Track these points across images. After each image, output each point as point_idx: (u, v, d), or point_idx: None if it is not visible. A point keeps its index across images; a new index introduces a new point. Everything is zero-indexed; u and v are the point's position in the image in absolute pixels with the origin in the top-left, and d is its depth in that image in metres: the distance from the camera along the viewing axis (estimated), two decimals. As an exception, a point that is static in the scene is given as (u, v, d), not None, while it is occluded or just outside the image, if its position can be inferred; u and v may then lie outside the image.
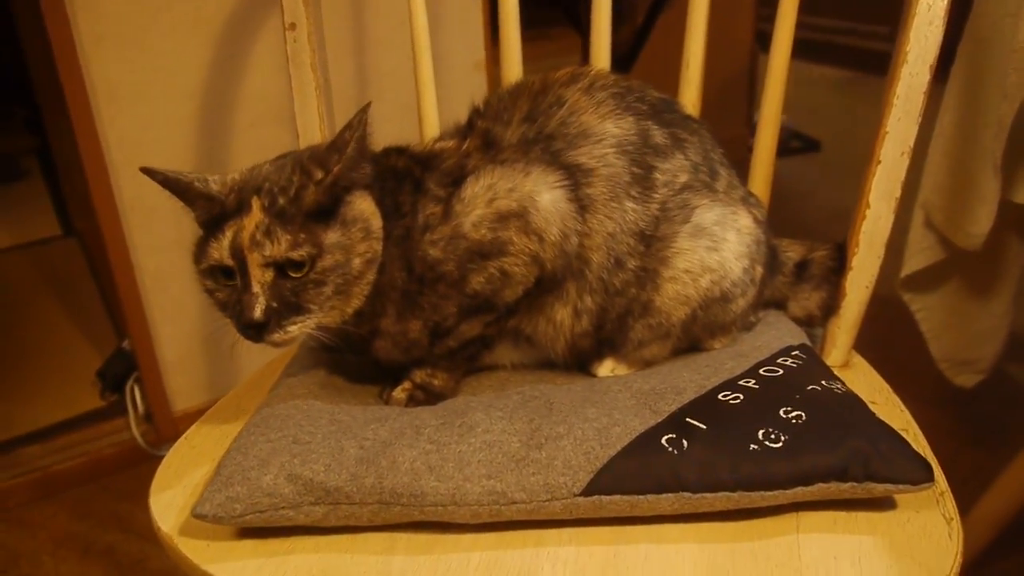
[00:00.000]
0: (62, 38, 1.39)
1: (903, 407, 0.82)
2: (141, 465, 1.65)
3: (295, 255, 0.66)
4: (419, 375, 0.80)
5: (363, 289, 0.71)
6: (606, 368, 0.83)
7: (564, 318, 0.78)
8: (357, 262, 0.69)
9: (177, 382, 1.67)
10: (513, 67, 1.05)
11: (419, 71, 1.06)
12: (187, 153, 1.55)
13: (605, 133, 0.76)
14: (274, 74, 1.57)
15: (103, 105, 1.46)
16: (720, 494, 0.65)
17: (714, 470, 0.65)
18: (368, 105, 0.68)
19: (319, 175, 0.69)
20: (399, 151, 0.78)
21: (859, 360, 0.92)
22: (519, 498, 0.66)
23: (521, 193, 0.73)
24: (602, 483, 0.65)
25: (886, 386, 0.87)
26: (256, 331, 0.67)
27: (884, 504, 0.68)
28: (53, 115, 2.10)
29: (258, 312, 0.66)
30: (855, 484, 0.65)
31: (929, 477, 0.66)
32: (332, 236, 0.68)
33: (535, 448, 0.68)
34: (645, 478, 0.65)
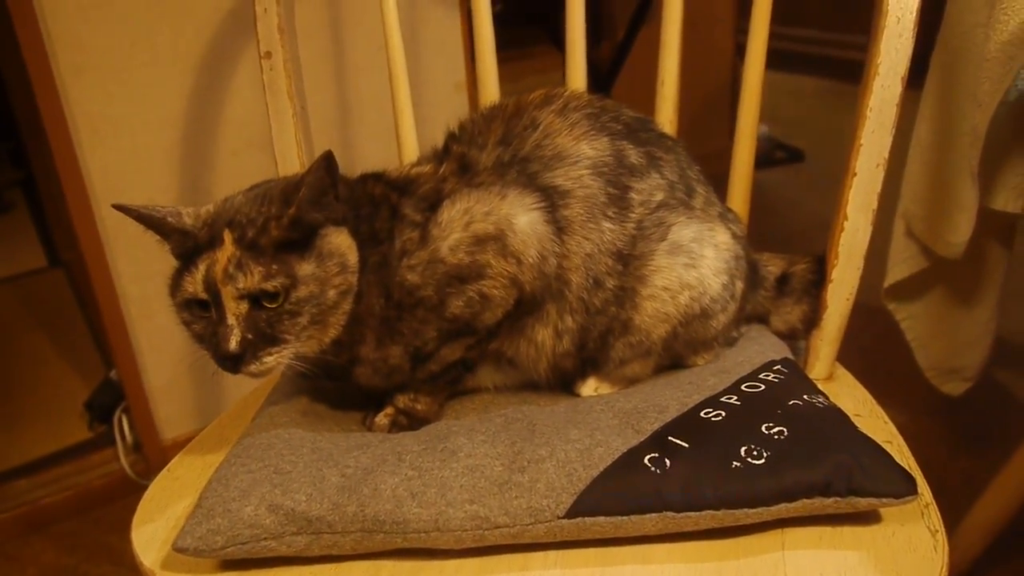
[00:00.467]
0: (41, 71, 1.39)
1: (887, 419, 0.82)
2: (131, 496, 1.62)
3: (268, 286, 0.66)
4: (401, 400, 0.80)
5: (339, 319, 0.71)
6: (589, 387, 0.83)
7: (545, 339, 0.78)
8: (332, 293, 0.69)
9: (165, 410, 1.66)
10: (490, 88, 1.05)
11: (396, 94, 1.07)
12: (170, 182, 1.55)
13: (580, 155, 0.76)
14: (254, 102, 1.56)
15: (84, 137, 1.46)
16: (704, 512, 0.65)
17: (697, 488, 0.65)
18: (328, 153, 0.67)
19: (283, 211, 0.68)
20: (375, 177, 0.78)
21: (842, 372, 0.92)
22: (502, 522, 0.65)
23: (498, 216, 0.73)
24: (585, 505, 0.65)
25: (870, 398, 0.87)
26: (232, 363, 0.67)
27: (869, 518, 0.68)
28: (36, 147, 2.10)
29: (233, 344, 0.66)
30: (839, 499, 0.65)
31: (912, 490, 0.66)
32: (306, 268, 0.68)
33: (518, 471, 0.67)
34: (628, 498, 0.65)
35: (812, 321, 0.90)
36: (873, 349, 1.41)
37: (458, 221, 0.73)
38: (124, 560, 1.49)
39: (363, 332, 0.74)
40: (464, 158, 0.77)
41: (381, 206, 0.75)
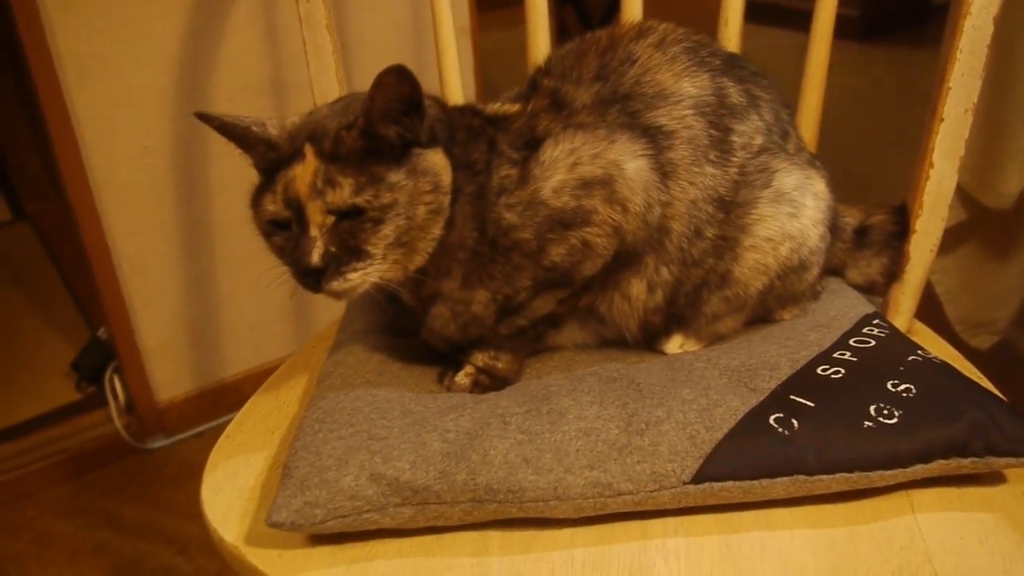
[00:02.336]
0: (26, 4, 1.28)
1: (980, 373, 0.79)
2: (126, 458, 1.56)
3: (360, 200, 0.62)
4: (481, 358, 0.75)
5: (427, 244, 0.66)
6: (675, 344, 0.78)
7: (639, 293, 0.73)
8: (422, 211, 0.64)
9: (160, 371, 1.58)
10: (540, 30, 0.99)
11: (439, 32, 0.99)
12: (162, 129, 1.45)
13: (683, 93, 0.71)
14: (254, 43, 1.48)
15: (71, 78, 1.36)
16: (838, 475, 0.62)
17: (830, 450, 0.62)
18: (399, 65, 0.61)
19: (355, 121, 0.63)
20: (471, 109, 0.73)
21: (921, 327, 0.89)
22: (625, 489, 0.61)
23: (606, 160, 0.68)
24: (713, 469, 0.61)
25: (955, 352, 0.84)
26: (314, 278, 0.63)
27: (994, 479, 0.66)
28: None
29: (316, 257, 0.62)
30: (976, 459, 0.62)
31: (1048, 448, 0.63)
32: (396, 177, 0.63)
33: (636, 434, 0.63)
34: (758, 462, 0.61)
35: (893, 274, 0.87)
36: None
37: (563, 162, 0.68)
38: (124, 525, 1.43)
39: (450, 266, 0.68)
40: (557, 93, 0.72)
41: (479, 137, 0.70)
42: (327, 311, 1.55)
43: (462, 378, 0.74)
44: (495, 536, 0.63)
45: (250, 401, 0.80)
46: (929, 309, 1.37)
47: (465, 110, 0.73)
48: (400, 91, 0.62)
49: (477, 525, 0.63)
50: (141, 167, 1.45)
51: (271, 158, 0.65)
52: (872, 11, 3.48)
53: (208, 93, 1.47)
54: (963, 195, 1.21)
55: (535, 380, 0.74)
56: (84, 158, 1.40)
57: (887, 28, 3.08)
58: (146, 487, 1.51)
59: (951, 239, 1.29)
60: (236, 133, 0.67)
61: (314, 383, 0.77)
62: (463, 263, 0.69)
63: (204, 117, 0.66)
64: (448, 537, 0.63)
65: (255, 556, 0.62)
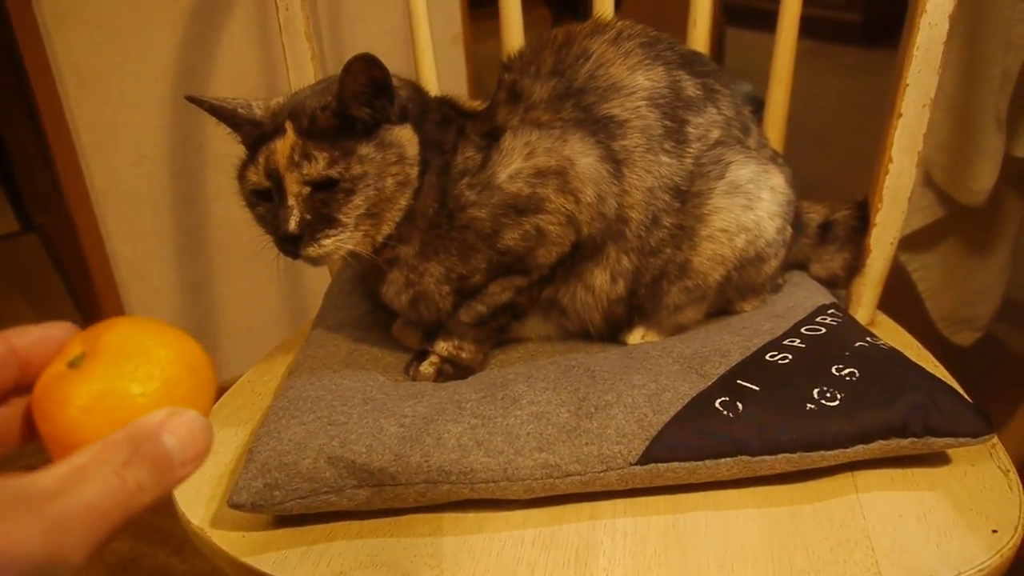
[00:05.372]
0: (24, 17, 1.32)
1: (937, 363, 0.81)
2: (125, 461, 1.59)
3: (333, 172, 0.66)
4: (446, 348, 0.77)
5: (395, 215, 0.70)
6: (636, 336, 0.80)
7: (603, 283, 0.76)
8: (390, 182, 0.68)
9: (159, 374, 1.61)
10: (514, 37, 1.02)
11: (417, 40, 1.02)
12: (160, 136, 1.49)
13: (636, 85, 0.73)
14: (249, 52, 1.51)
15: (70, 88, 1.40)
16: (780, 456, 0.63)
17: (772, 432, 0.63)
18: (365, 54, 0.66)
19: (329, 102, 0.68)
20: (448, 102, 0.77)
21: (884, 318, 0.90)
22: (573, 470, 0.63)
23: (560, 155, 0.71)
24: (658, 450, 0.63)
25: (915, 342, 0.86)
26: (292, 244, 0.67)
27: (938, 459, 0.67)
28: (6, 104, 2.01)
29: (292, 224, 0.66)
30: (915, 440, 0.64)
31: (988, 429, 0.65)
32: (365, 149, 0.68)
33: (585, 418, 0.65)
34: (702, 443, 0.63)
35: (854, 268, 0.89)
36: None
37: (519, 151, 0.71)
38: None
39: (411, 232, 0.72)
40: (515, 86, 0.75)
41: (451, 123, 0.74)
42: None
43: (426, 367, 0.77)
44: (448, 518, 0.65)
45: (226, 394, 0.83)
46: (913, 308, 1.39)
47: (443, 100, 0.77)
48: (370, 76, 0.67)
49: (433, 507, 0.65)
50: (139, 174, 1.49)
51: (255, 134, 0.70)
52: (875, 16, 3.49)
53: (203, 102, 1.51)
54: (940, 193, 1.22)
55: (496, 369, 0.76)
56: (83, 166, 1.44)
57: (890, 33, 3.10)
58: (145, 488, 1.54)
59: (930, 236, 1.30)
60: (224, 114, 0.72)
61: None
62: (422, 231, 0.72)
63: (195, 100, 0.71)
64: (405, 519, 0.65)
65: (219, 538, 0.64)
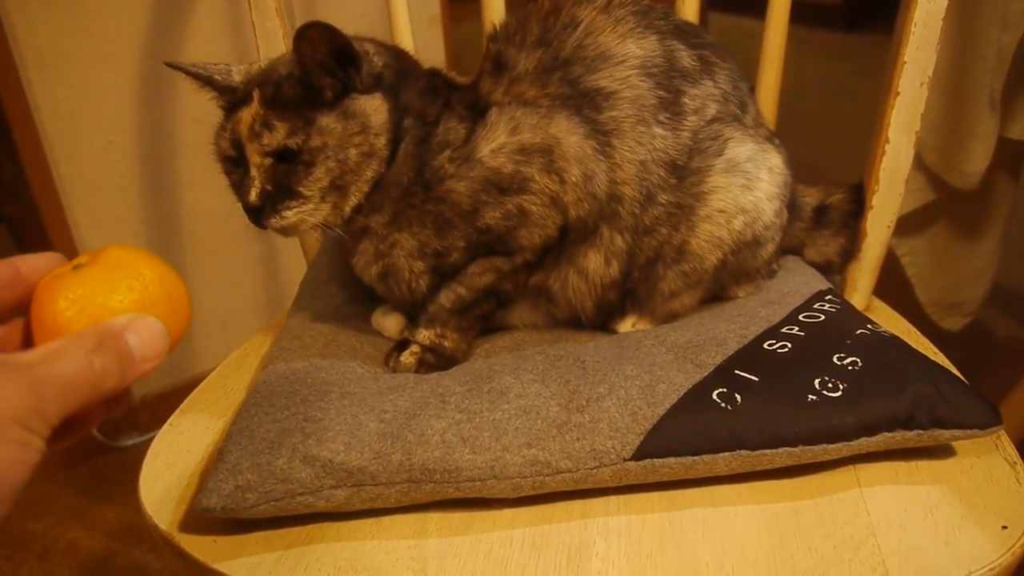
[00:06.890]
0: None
1: (936, 349, 0.78)
2: (98, 457, 1.54)
3: (292, 143, 0.65)
4: (427, 336, 0.74)
5: (362, 187, 0.68)
6: (628, 324, 0.77)
7: (596, 266, 0.72)
8: (353, 153, 0.66)
9: (131, 369, 1.56)
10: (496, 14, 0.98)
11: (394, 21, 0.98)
12: (127, 122, 1.44)
13: (626, 54, 0.70)
14: (219, 37, 1.46)
15: (32, 73, 1.34)
16: (781, 450, 0.60)
17: (773, 425, 0.60)
18: (316, 21, 0.63)
19: (293, 71, 0.67)
20: (438, 74, 0.74)
21: (879, 304, 0.88)
22: (564, 467, 0.60)
23: (546, 132, 0.68)
24: (653, 445, 0.60)
25: (913, 328, 0.83)
26: (255, 215, 0.67)
27: (943, 452, 0.65)
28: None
29: (253, 195, 0.66)
30: (921, 432, 0.61)
31: (996, 420, 0.62)
32: (325, 120, 0.66)
33: (576, 411, 0.62)
34: (699, 437, 0.60)
35: (850, 253, 0.86)
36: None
37: (504, 126, 0.69)
38: (96, 524, 1.41)
39: (383, 202, 0.69)
40: (500, 56, 0.72)
41: (438, 94, 0.71)
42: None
43: (407, 357, 0.73)
44: (434, 518, 0.62)
45: (196, 390, 0.79)
46: (901, 293, 1.37)
47: (435, 72, 0.74)
48: (333, 44, 0.64)
49: (416, 507, 0.62)
50: (106, 162, 1.44)
51: (230, 100, 0.69)
52: (856, 0, 3.48)
53: (173, 87, 1.45)
54: (930, 176, 1.20)
55: (481, 360, 0.73)
56: (47, 153, 1.39)
57: (871, 16, 3.08)
58: (118, 485, 1.49)
59: (920, 220, 1.28)
60: (202, 79, 0.70)
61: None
62: (394, 200, 0.69)
63: (174, 65, 0.70)
64: (387, 520, 0.62)
65: (188, 543, 0.61)
